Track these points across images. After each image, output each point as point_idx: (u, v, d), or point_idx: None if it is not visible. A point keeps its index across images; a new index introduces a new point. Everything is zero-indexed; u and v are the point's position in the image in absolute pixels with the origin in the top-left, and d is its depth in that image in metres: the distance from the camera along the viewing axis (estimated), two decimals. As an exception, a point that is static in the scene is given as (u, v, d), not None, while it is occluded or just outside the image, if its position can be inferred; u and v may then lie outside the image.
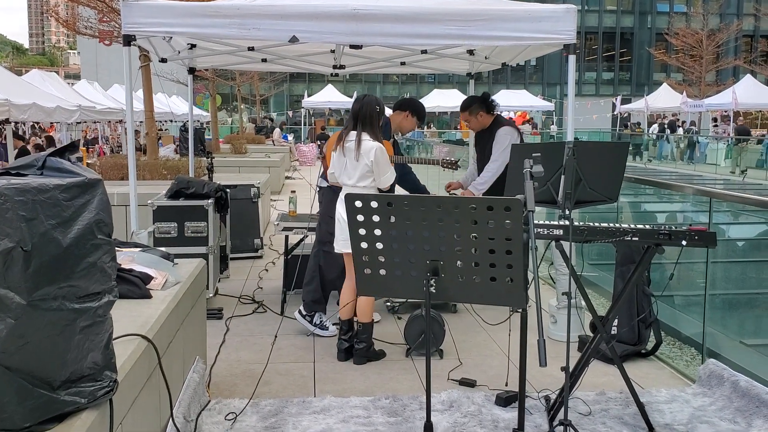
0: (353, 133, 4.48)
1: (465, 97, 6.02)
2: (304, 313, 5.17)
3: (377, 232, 2.35)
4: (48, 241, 1.82)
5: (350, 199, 2.34)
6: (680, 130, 30.24)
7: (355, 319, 4.70)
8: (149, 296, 3.16)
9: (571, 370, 3.57)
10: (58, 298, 1.86)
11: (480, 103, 5.53)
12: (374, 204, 2.29)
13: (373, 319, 4.66)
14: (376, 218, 2.32)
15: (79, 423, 1.90)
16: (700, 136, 26.92)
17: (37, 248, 1.79)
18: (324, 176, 5.21)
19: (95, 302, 1.97)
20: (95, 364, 1.99)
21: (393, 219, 2.30)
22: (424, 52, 6.37)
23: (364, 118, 4.46)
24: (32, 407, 1.80)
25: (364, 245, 2.38)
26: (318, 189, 5.35)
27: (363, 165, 4.41)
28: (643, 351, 4.77)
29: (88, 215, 1.96)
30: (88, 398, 1.95)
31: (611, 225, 3.51)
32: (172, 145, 19.18)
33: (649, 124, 34.74)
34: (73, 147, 2.13)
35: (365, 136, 4.42)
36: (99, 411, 2.02)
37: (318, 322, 5.14)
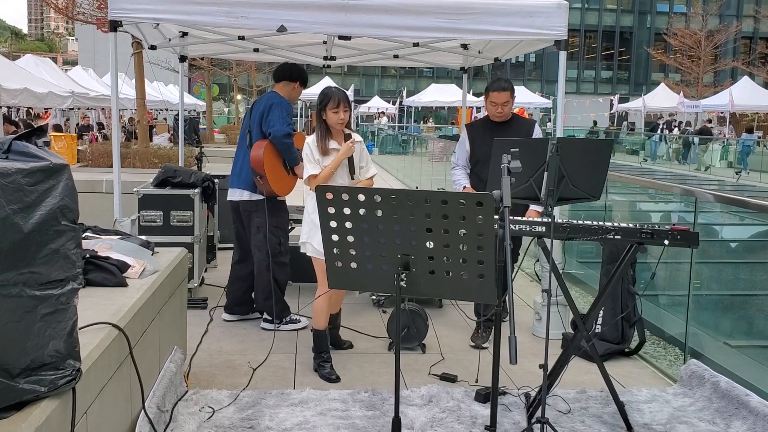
0: None
1: (460, 92, 5.88)
2: (275, 323, 5.01)
3: (348, 224, 2.32)
4: (8, 226, 1.79)
5: (321, 190, 2.31)
6: (675, 131, 30.26)
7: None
8: (125, 284, 3.13)
9: (551, 367, 3.56)
10: (18, 285, 1.82)
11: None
12: (345, 196, 2.27)
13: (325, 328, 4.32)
14: (347, 210, 2.29)
15: (38, 411, 1.87)
16: (696, 136, 26.92)
17: (-3, 233, 1.75)
18: (254, 189, 4.98)
19: (58, 289, 1.94)
20: (57, 352, 1.96)
21: (363, 212, 2.27)
22: (416, 45, 6.31)
23: None
24: (-12, 394, 1.77)
25: (335, 237, 2.35)
26: (251, 204, 5.05)
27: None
28: (626, 350, 4.76)
29: (52, 201, 1.92)
30: (48, 387, 1.92)
31: (594, 223, 3.49)
32: (166, 134, 19.13)
33: (647, 124, 34.77)
34: (40, 131, 2.10)
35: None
36: (61, 400, 1.99)
37: (288, 320, 5.09)
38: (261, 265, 5.04)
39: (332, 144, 4.22)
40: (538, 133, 4.89)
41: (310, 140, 4.21)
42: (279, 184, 4.95)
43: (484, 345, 4.79)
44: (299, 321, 5.13)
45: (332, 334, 4.59)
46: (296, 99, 5.33)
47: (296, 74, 5.17)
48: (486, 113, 4.96)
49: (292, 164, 4.96)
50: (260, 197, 4.96)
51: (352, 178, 4.28)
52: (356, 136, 4.30)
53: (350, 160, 4.23)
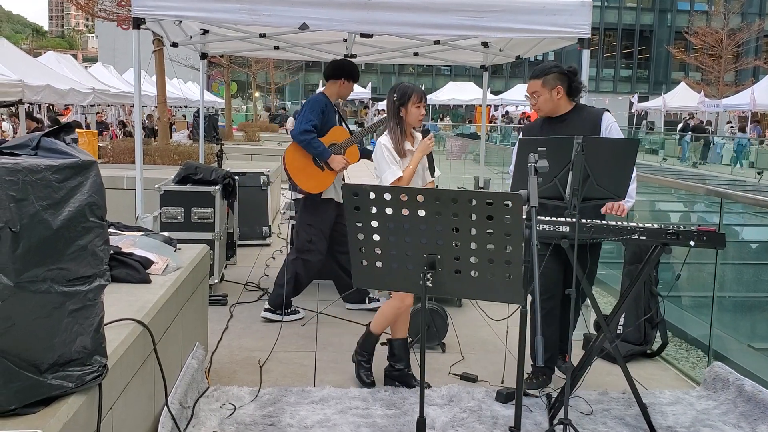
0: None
1: (480, 90, 5.76)
2: (277, 312, 5.11)
3: (374, 223, 2.30)
4: (38, 222, 1.80)
5: (348, 189, 2.30)
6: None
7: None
8: (148, 281, 3.14)
9: (573, 368, 3.53)
10: (47, 281, 1.83)
11: (561, 75, 3.87)
12: (372, 195, 2.25)
13: (406, 336, 4.10)
14: (373, 209, 2.28)
15: (65, 407, 1.88)
16: (716, 136, 26.68)
17: (26, 229, 1.76)
18: (296, 188, 5.08)
19: (85, 286, 1.95)
20: (84, 348, 1.96)
21: (390, 211, 2.26)
22: (437, 42, 6.30)
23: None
24: (17, 390, 1.79)
25: (360, 236, 2.34)
26: (291, 201, 5.36)
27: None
28: (648, 351, 4.72)
29: (80, 197, 1.93)
30: (75, 383, 1.93)
31: (618, 223, 3.45)
32: (185, 130, 19.23)
33: (667, 123, 34.39)
34: (68, 128, 2.11)
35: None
36: (87, 396, 2.00)
37: (288, 312, 5.15)
38: (289, 257, 5.20)
39: (407, 144, 3.98)
40: (609, 122, 3.88)
41: (385, 141, 3.91)
42: (311, 182, 5.00)
43: (533, 392, 4.02)
44: (298, 312, 5.22)
45: (401, 374, 4.05)
46: (346, 95, 5.32)
47: (338, 71, 5.18)
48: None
49: (320, 159, 4.98)
50: (300, 196, 5.12)
51: (433, 176, 4.13)
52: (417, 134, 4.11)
53: (429, 156, 4.04)
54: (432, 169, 4.11)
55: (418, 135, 4.09)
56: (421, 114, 3.95)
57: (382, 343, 4.12)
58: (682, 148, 28.05)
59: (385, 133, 3.99)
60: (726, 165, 25.05)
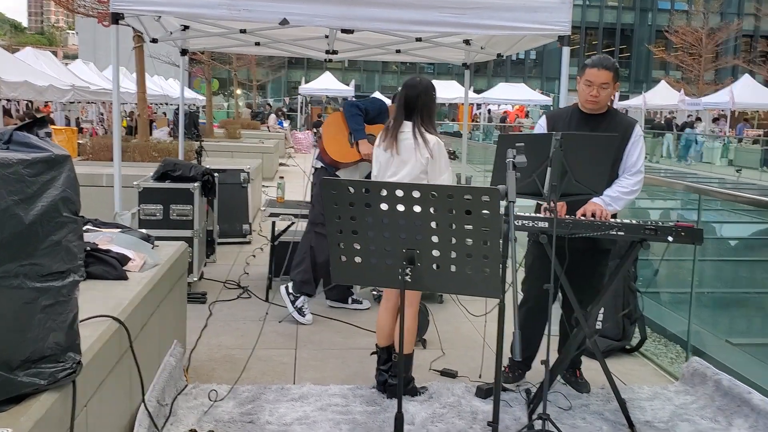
0: (408, 125, 3.77)
1: (461, 88, 5.76)
2: (290, 290, 5.13)
3: (353, 219, 2.29)
4: (9, 217, 1.77)
5: (327, 185, 2.29)
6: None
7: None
8: (125, 278, 3.11)
9: (552, 364, 3.54)
10: (19, 276, 1.80)
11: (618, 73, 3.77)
12: (351, 190, 2.25)
13: (413, 351, 3.90)
14: (352, 205, 2.27)
15: (37, 405, 1.85)
16: (696, 134, 26.93)
17: (-3, 224, 1.73)
18: (319, 157, 5.24)
19: (59, 281, 1.92)
20: (57, 344, 1.94)
21: (368, 206, 2.25)
22: (419, 39, 6.29)
23: (423, 107, 3.78)
24: (-12, 387, 1.76)
25: (339, 232, 2.33)
26: (313, 170, 5.32)
27: (419, 164, 3.69)
28: (627, 347, 4.75)
29: (53, 192, 1.91)
30: (48, 380, 1.90)
31: (597, 219, 3.47)
32: (166, 128, 19.08)
33: (665, 123, 34.50)
34: (41, 122, 2.07)
35: (425, 130, 3.75)
36: (61, 393, 1.97)
37: (299, 306, 5.09)
38: (304, 231, 5.32)
39: None
40: (638, 135, 3.79)
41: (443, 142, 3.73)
42: (335, 148, 5.10)
43: (510, 386, 4.08)
44: (305, 316, 5.10)
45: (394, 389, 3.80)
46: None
47: None
48: (577, 101, 3.98)
49: (354, 135, 5.05)
50: (319, 165, 5.22)
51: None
52: None
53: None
54: None
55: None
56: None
57: (372, 353, 4.03)
58: (663, 145, 28.34)
59: (423, 130, 3.75)
60: (707, 163, 25.33)
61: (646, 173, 3.80)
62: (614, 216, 3.69)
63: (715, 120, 29.65)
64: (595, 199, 3.63)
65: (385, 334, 3.86)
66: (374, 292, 5.81)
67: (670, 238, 3.30)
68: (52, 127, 12.31)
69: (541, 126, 4.04)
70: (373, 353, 4.01)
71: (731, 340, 5.49)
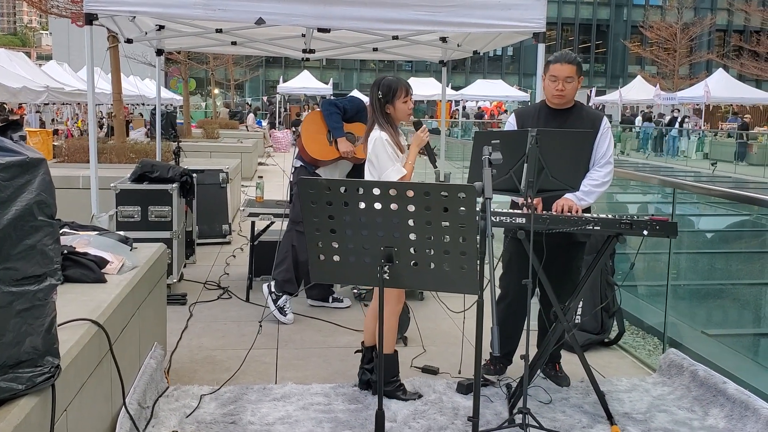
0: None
1: (439, 85, 5.80)
2: (272, 289, 5.13)
3: (330, 217, 2.30)
4: (-17, 221, 1.76)
5: (304, 183, 2.30)
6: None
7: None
8: (104, 280, 3.09)
9: (531, 358, 3.58)
10: (-6, 281, 1.79)
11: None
12: (328, 189, 2.25)
13: (395, 351, 3.83)
14: (330, 203, 2.28)
15: (16, 410, 1.84)
16: (690, 130, 27.24)
17: (-29, 229, 1.72)
18: (299, 156, 5.25)
19: (35, 285, 1.91)
20: (35, 348, 1.93)
21: (345, 204, 2.26)
22: (395, 38, 6.30)
23: (378, 106, 3.75)
24: (-35, 393, 1.75)
25: (317, 231, 2.34)
26: (293, 169, 5.32)
27: (369, 163, 3.70)
28: (606, 340, 4.80)
29: (28, 196, 1.89)
30: (26, 384, 1.90)
31: (573, 214, 3.51)
32: (143, 128, 18.91)
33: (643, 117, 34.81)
34: (15, 125, 2.06)
35: (378, 128, 3.73)
36: (40, 397, 1.96)
37: (281, 306, 5.08)
38: (285, 230, 5.32)
39: (401, 139, 3.80)
40: (606, 127, 3.85)
41: (386, 138, 3.65)
42: (314, 146, 5.11)
43: (491, 378, 4.13)
44: (286, 315, 5.09)
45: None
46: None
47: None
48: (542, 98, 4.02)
49: (332, 133, 5.08)
50: (299, 164, 5.24)
51: (436, 167, 4.06)
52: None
53: (428, 147, 3.89)
54: (433, 161, 4.02)
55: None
56: (409, 108, 3.79)
57: (356, 351, 4.04)
58: (669, 143, 28.37)
59: (375, 127, 3.74)
60: (683, 158, 25.62)
61: (623, 168, 3.86)
62: (588, 210, 3.74)
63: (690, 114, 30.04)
64: (567, 195, 3.65)
65: (371, 334, 3.87)
66: (355, 291, 5.82)
67: (645, 232, 3.35)
68: (27, 129, 12.17)
69: (510, 123, 4.05)
70: (357, 351, 4.03)
71: (707, 331, 5.58)
